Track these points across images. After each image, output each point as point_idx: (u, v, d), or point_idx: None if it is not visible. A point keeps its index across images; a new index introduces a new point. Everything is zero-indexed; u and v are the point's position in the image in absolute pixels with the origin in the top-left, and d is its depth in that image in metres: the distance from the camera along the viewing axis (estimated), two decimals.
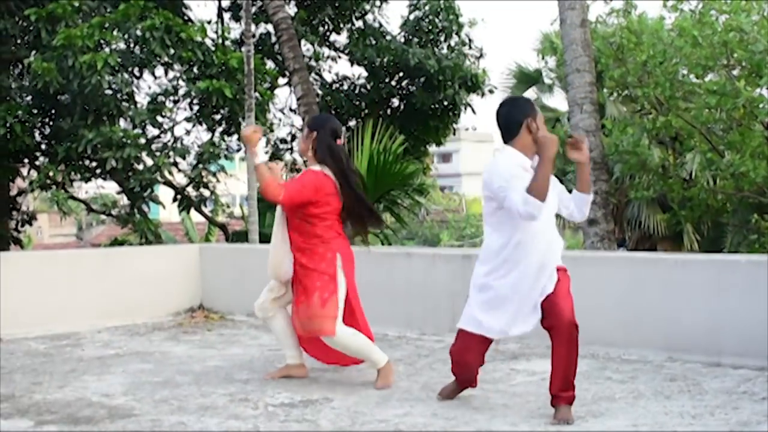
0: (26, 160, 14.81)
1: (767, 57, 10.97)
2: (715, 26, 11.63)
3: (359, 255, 5.66)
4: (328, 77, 19.13)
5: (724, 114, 12.11)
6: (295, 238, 5.45)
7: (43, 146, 14.25)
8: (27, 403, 5.16)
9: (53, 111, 13.62)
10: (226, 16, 18.08)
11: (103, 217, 18.96)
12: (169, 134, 14.29)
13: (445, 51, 18.01)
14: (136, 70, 13.85)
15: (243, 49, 13.32)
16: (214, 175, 14.39)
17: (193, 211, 15.49)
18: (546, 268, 4.59)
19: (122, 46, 13.48)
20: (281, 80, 16.86)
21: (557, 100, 20.65)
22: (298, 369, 5.77)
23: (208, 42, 14.59)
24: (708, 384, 5.26)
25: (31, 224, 16.90)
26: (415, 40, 17.91)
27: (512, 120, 4.70)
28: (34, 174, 14.43)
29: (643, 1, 66.18)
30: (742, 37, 11.25)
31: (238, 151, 16.33)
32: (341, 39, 18.85)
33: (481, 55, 18.57)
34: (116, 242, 16.66)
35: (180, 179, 14.82)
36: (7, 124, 12.62)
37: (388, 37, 18.04)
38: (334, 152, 5.42)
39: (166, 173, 13.98)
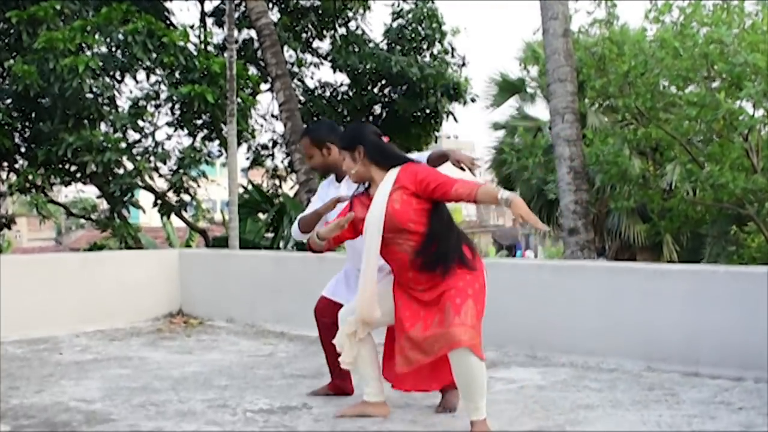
0: (5, 164, 14.71)
1: (747, 69, 11.06)
2: (696, 38, 11.72)
3: (340, 261, 5.64)
4: (311, 83, 19.19)
5: (704, 125, 12.21)
6: None
7: (22, 149, 14.17)
8: (4, 408, 5.11)
9: (33, 114, 13.55)
10: (209, 21, 18.08)
11: (82, 221, 18.84)
12: (150, 139, 14.25)
13: (427, 59, 18.08)
14: (117, 74, 13.81)
15: (225, 54, 13.32)
16: (195, 180, 14.35)
17: (173, 216, 15.43)
18: None
19: (104, 49, 13.45)
20: (263, 86, 16.85)
21: (539, 110, 20.78)
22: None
23: (191, 47, 14.58)
24: (685, 394, 5.28)
25: (9, 228, 16.77)
26: (398, 47, 17.97)
27: None
28: (13, 177, 14.34)
29: (625, 13, 66.52)
30: (723, 50, 11.34)
31: (219, 156, 16.30)
32: (324, 46, 18.92)
33: (464, 64, 18.68)
34: (95, 247, 16.56)
35: (160, 184, 14.77)
36: None
37: (371, 45, 18.09)
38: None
39: (147, 178, 13.93)
